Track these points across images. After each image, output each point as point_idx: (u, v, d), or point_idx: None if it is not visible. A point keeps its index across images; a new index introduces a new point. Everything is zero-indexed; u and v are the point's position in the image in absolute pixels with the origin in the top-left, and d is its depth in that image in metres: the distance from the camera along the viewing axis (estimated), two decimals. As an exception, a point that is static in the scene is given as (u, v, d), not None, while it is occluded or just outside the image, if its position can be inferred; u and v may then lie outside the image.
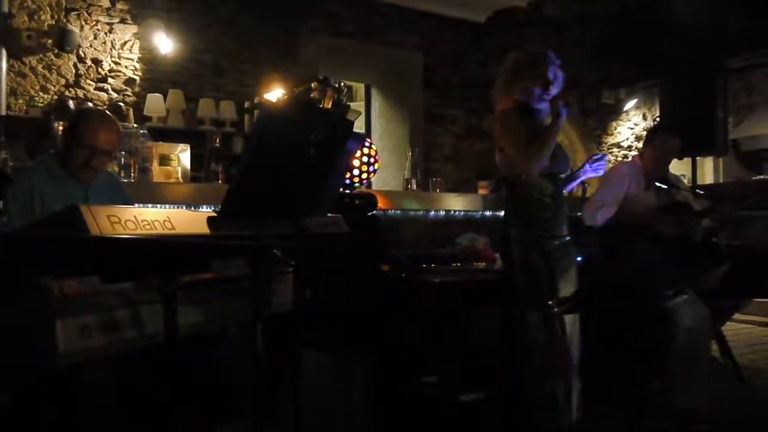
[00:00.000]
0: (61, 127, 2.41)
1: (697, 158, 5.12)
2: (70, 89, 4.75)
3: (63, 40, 4.67)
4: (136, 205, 2.56)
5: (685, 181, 4.35)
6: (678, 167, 4.78)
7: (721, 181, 7.14)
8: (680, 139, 3.30)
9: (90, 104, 4.62)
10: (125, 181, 3.12)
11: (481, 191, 4.78)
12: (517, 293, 2.48)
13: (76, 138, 2.33)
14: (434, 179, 4.39)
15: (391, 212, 3.48)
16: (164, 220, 1.47)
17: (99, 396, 1.79)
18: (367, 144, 3.40)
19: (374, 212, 3.16)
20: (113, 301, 1.67)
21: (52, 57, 4.70)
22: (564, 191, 2.69)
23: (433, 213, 3.68)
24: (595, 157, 2.64)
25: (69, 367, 1.56)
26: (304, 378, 2.08)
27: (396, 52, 6.36)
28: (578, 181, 2.70)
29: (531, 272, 2.44)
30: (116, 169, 3.24)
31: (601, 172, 2.65)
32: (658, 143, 3.24)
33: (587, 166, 2.65)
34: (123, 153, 3.21)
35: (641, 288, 1.64)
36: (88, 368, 1.68)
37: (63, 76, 4.73)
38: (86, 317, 1.57)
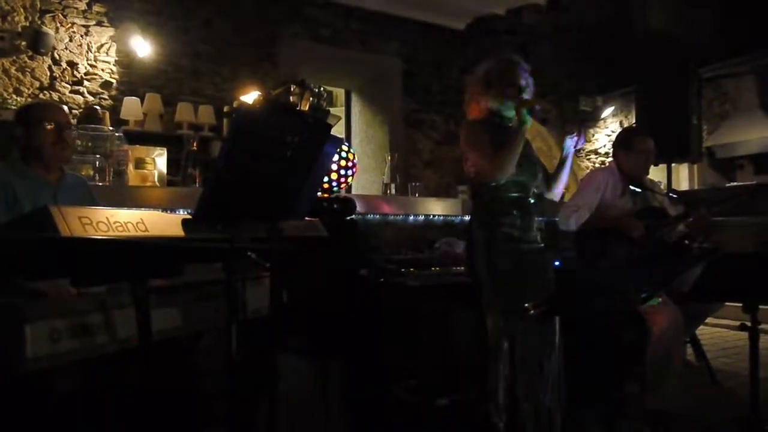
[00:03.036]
0: (18, 134, 2.39)
1: (673, 165, 5.21)
2: (45, 92, 4.67)
3: (37, 42, 4.60)
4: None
5: (662, 187, 4.40)
6: (654, 174, 4.85)
7: (696, 187, 7.26)
8: (656, 146, 3.35)
9: (65, 107, 4.54)
10: (100, 184, 3.07)
11: (462, 196, 4.80)
12: (482, 298, 2.46)
13: (36, 121, 2.33)
14: (414, 184, 4.40)
15: (370, 216, 3.47)
16: (137, 222, 1.44)
17: (69, 403, 1.75)
18: (345, 148, 3.40)
19: (353, 216, 3.15)
20: (85, 304, 1.64)
21: (26, 59, 4.63)
22: (558, 186, 2.64)
23: (412, 217, 3.68)
24: (572, 136, 2.59)
25: (37, 372, 1.53)
26: (280, 383, 2.06)
27: (376, 57, 6.37)
28: (568, 164, 2.62)
29: (496, 277, 2.41)
30: (91, 172, 3.20)
31: (582, 142, 2.61)
32: (642, 147, 3.27)
33: (568, 142, 2.60)
34: (98, 156, 3.16)
35: (614, 290, 1.66)
36: (57, 374, 1.65)
37: (37, 79, 4.66)
38: (56, 321, 1.54)
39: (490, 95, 2.53)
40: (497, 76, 2.53)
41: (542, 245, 2.54)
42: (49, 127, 2.33)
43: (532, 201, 2.56)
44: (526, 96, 2.51)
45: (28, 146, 2.35)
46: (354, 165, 3.44)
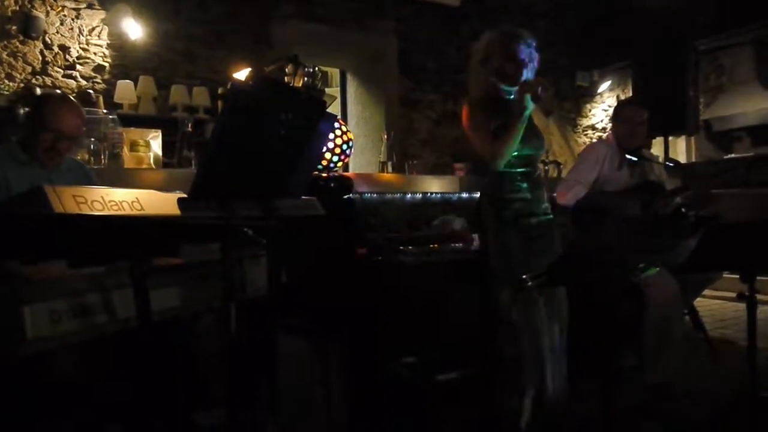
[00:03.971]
0: (25, 114, 2.38)
1: (670, 138, 5.20)
2: (37, 77, 4.63)
3: (28, 27, 4.55)
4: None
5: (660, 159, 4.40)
6: (651, 147, 4.84)
7: (693, 160, 7.25)
8: (652, 119, 3.34)
9: (58, 91, 4.52)
10: (95, 167, 3.06)
11: (458, 173, 4.79)
12: (491, 272, 2.48)
13: (39, 122, 2.30)
14: (411, 162, 4.38)
15: (367, 195, 3.46)
16: (133, 201, 1.44)
17: (70, 383, 1.76)
18: (341, 126, 3.38)
19: (350, 195, 3.14)
20: (83, 285, 1.64)
21: (17, 44, 4.59)
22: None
23: (409, 195, 3.67)
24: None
25: (38, 353, 1.54)
26: (280, 363, 2.07)
27: (371, 37, 6.32)
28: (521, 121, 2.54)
29: (505, 252, 2.43)
30: (86, 156, 3.18)
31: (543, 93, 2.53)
32: (627, 115, 3.28)
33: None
34: (92, 140, 3.15)
35: (610, 261, 1.66)
36: (58, 354, 1.66)
37: (29, 64, 4.62)
38: (56, 302, 1.54)
39: (490, 69, 2.48)
40: (498, 49, 2.46)
41: (551, 216, 2.54)
42: (48, 133, 2.30)
43: (539, 173, 2.56)
44: (528, 72, 2.47)
45: (27, 137, 2.35)
46: (350, 143, 3.42)
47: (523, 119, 2.36)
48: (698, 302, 3.87)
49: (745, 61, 7.15)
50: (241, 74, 3.45)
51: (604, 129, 7.73)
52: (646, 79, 5.23)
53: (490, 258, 2.46)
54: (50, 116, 2.30)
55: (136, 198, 1.45)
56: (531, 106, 2.36)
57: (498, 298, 2.43)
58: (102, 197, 1.35)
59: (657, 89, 4.84)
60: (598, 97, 7.89)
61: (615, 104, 7.73)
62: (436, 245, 3.27)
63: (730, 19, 6.41)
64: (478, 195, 2.96)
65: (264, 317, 2.05)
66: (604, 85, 7.74)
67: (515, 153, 2.41)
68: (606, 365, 2.46)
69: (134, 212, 1.42)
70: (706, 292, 4.22)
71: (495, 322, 2.46)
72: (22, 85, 4.53)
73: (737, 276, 2.04)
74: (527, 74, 2.47)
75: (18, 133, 2.34)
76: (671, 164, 3.46)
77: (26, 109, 2.36)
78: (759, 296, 2.07)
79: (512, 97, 2.47)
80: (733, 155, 6.85)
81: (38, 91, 4.39)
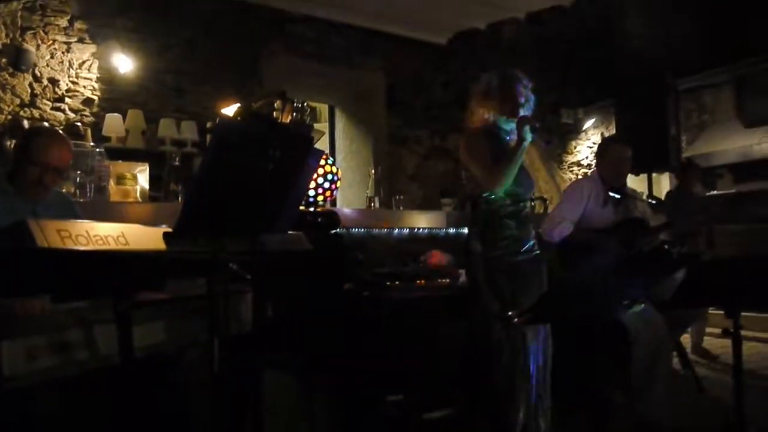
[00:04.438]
0: (13, 146, 2.38)
1: (653, 175, 5.28)
2: (26, 109, 4.63)
3: (18, 60, 4.56)
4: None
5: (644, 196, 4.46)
6: (635, 183, 4.90)
7: (676, 197, 7.34)
8: (636, 156, 3.40)
9: (46, 124, 4.51)
10: (81, 201, 3.04)
11: (445, 209, 4.81)
12: (481, 308, 2.49)
13: (27, 155, 2.30)
14: (398, 197, 4.40)
15: (354, 230, 3.47)
16: (118, 236, 1.42)
17: (48, 422, 1.72)
18: (329, 161, 3.40)
19: (337, 230, 3.15)
20: (64, 320, 1.61)
21: (7, 76, 4.59)
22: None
23: (396, 230, 3.68)
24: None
25: (15, 391, 1.50)
26: (265, 400, 2.03)
27: (359, 73, 6.40)
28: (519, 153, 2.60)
29: (494, 288, 2.45)
30: (72, 189, 3.17)
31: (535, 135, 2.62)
32: (613, 153, 3.34)
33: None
34: (79, 173, 3.13)
35: (595, 297, 1.67)
36: (36, 392, 1.62)
37: (18, 96, 4.62)
38: (34, 338, 1.51)
39: (489, 106, 2.60)
40: (496, 88, 2.60)
41: (538, 252, 2.59)
42: (35, 166, 2.30)
43: (527, 211, 2.64)
44: (525, 111, 2.59)
45: (13, 168, 2.35)
46: (338, 178, 3.44)
47: (522, 148, 2.48)
48: (684, 338, 3.88)
49: (726, 99, 7.33)
50: (230, 110, 3.47)
51: (589, 165, 7.83)
52: (630, 116, 5.34)
53: (480, 295, 2.48)
54: (39, 150, 2.31)
55: (122, 232, 1.44)
56: (529, 137, 2.48)
57: (488, 335, 2.44)
58: (86, 231, 1.34)
59: (640, 127, 4.94)
60: (583, 134, 8.01)
61: (599, 141, 7.89)
62: (423, 281, 3.26)
63: (709, 59, 6.58)
64: (465, 231, 2.97)
65: (249, 352, 2.03)
66: (589, 123, 7.87)
67: (506, 191, 2.49)
68: (594, 401, 2.45)
69: (119, 247, 1.40)
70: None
71: (485, 360, 2.46)
72: (9, 117, 4.52)
73: (721, 311, 2.05)
74: (524, 112, 2.58)
75: (5, 164, 2.33)
76: (653, 201, 3.51)
77: (13, 141, 2.35)
78: (744, 332, 2.08)
79: (509, 133, 2.60)
80: (715, 192, 6.95)
81: (26, 123, 4.39)
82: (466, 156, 2.58)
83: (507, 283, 2.44)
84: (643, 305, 2.78)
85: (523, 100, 2.61)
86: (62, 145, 2.37)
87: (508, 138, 2.61)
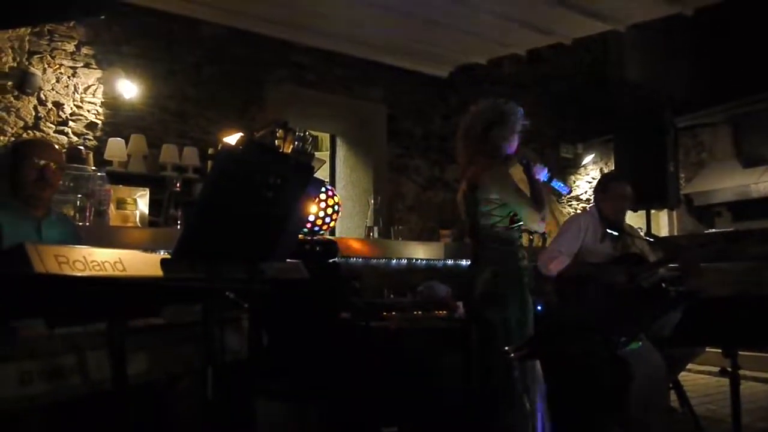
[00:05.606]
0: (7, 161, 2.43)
1: (652, 212, 5.29)
2: (29, 131, 4.67)
3: (24, 83, 4.62)
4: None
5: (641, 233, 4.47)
6: (634, 220, 4.92)
7: (675, 233, 7.35)
8: (634, 192, 3.42)
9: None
10: (80, 224, 3.05)
11: (444, 240, 4.81)
12: (486, 340, 2.49)
13: (23, 156, 2.35)
14: (397, 227, 4.41)
15: (352, 259, 3.47)
16: (115, 262, 1.42)
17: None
18: (329, 191, 3.41)
19: (335, 259, 3.14)
20: (57, 345, 1.60)
21: (12, 99, 4.64)
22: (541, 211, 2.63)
23: (395, 261, 3.68)
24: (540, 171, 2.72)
25: (6, 416, 1.48)
26: (259, 428, 2.01)
27: (361, 103, 6.47)
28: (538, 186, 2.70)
29: (508, 323, 2.47)
30: (72, 212, 3.17)
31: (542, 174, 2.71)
32: (614, 190, 3.35)
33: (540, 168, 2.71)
34: (79, 196, 3.15)
35: (593, 334, 1.66)
36: (27, 417, 1.60)
37: (22, 119, 4.66)
38: (26, 363, 1.50)
39: (495, 137, 2.66)
40: (500, 120, 2.68)
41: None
42: (32, 164, 2.34)
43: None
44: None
45: (12, 180, 2.37)
46: (338, 208, 3.45)
47: (535, 178, 2.62)
48: (683, 376, 3.85)
49: (723, 138, 7.38)
50: (232, 138, 3.51)
51: (588, 200, 7.86)
52: (628, 153, 5.38)
53: (490, 327, 2.48)
54: (30, 149, 2.40)
55: (119, 258, 1.44)
56: (545, 177, 2.64)
57: (497, 369, 2.44)
58: (84, 257, 1.34)
59: (639, 163, 4.97)
60: (582, 169, 8.06)
61: (598, 176, 7.93)
62: (420, 312, 3.25)
63: (707, 98, 6.66)
64: (462, 262, 2.98)
65: (244, 381, 2.01)
66: (588, 158, 7.92)
67: (516, 226, 2.55)
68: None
69: (116, 273, 1.41)
70: (691, 366, 4.20)
71: (491, 394, 2.45)
72: (12, 139, 4.55)
73: (719, 349, 2.05)
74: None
75: (5, 177, 2.37)
76: (651, 239, 3.52)
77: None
78: (742, 371, 2.06)
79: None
80: (713, 230, 6.97)
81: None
82: (495, 185, 2.57)
83: (519, 319, 2.47)
84: (640, 342, 2.77)
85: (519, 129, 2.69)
86: (50, 144, 2.52)
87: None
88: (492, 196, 2.56)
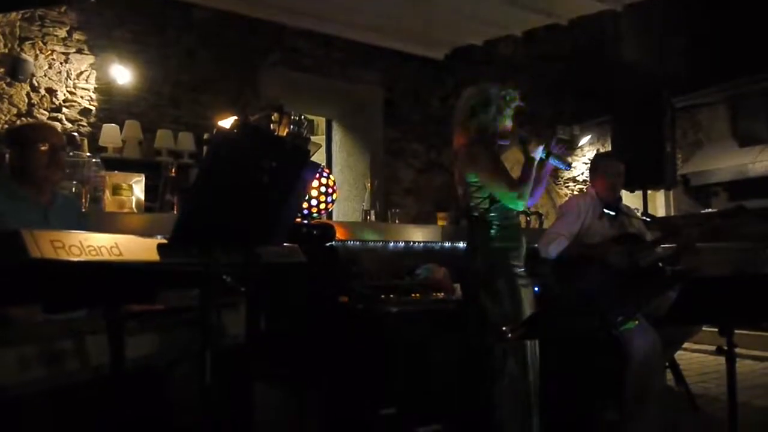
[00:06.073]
0: (8, 155, 2.39)
1: (648, 192, 5.30)
2: (22, 118, 4.64)
3: (16, 69, 4.58)
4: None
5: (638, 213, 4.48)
6: (630, 200, 4.93)
7: (672, 213, 7.37)
8: (631, 172, 3.42)
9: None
10: (76, 211, 3.03)
11: (440, 222, 4.81)
12: (481, 322, 2.49)
13: (32, 142, 2.32)
14: (393, 210, 4.40)
15: (350, 243, 3.46)
16: (111, 246, 1.42)
17: (38, 432, 1.70)
18: (325, 174, 3.40)
19: (332, 243, 3.14)
20: (56, 331, 1.61)
21: (4, 86, 4.60)
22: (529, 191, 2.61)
23: (392, 244, 3.67)
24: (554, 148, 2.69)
25: (5, 400, 1.49)
26: (257, 413, 2.02)
27: (357, 87, 6.44)
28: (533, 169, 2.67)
29: (500, 306, 2.46)
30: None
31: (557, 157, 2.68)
32: (606, 169, 3.37)
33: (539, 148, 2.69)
34: (74, 182, 3.13)
35: (590, 313, 1.67)
36: (26, 402, 1.60)
37: (15, 106, 4.63)
38: (25, 348, 1.50)
39: (476, 124, 2.61)
40: (494, 102, 2.63)
41: (524, 269, 2.61)
42: (42, 149, 2.32)
43: (518, 222, 2.70)
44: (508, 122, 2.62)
45: (20, 168, 2.34)
46: (334, 191, 3.44)
47: (532, 160, 2.57)
48: (679, 355, 3.87)
49: (721, 118, 7.38)
50: (227, 122, 3.48)
51: (584, 182, 7.86)
52: (625, 133, 5.37)
53: (482, 309, 2.48)
54: (37, 133, 2.37)
55: (116, 243, 1.43)
56: (541, 155, 2.58)
57: (489, 350, 2.45)
58: (80, 242, 1.33)
59: (635, 144, 4.96)
60: (578, 151, 8.04)
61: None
62: (417, 294, 3.26)
63: (704, 78, 6.63)
64: (459, 245, 2.98)
65: (241, 365, 2.02)
66: (585, 139, 7.90)
67: (506, 207, 2.52)
68: (587, 419, 2.44)
69: (113, 258, 1.40)
70: (687, 345, 4.22)
71: (485, 373, 2.46)
72: (6, 126, 4.52)
73: (715, 328, 2.05)
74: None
75: (10, 165, 2.35)
76: (648, 219, 3.53)
77: (9, 151, 2.37)
78: (738, 350, 2.07)
79: (502, 142, 2.67)
80: (710, 210, 6.99)
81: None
82: (471, 166, 2.57)
83: (510, 296, 2.46)
84: (637, 322, 2.78)
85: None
86: (53, 126, 2.56)
87: (501, 142, 2.66)
88: (472, 179, 2.58)
